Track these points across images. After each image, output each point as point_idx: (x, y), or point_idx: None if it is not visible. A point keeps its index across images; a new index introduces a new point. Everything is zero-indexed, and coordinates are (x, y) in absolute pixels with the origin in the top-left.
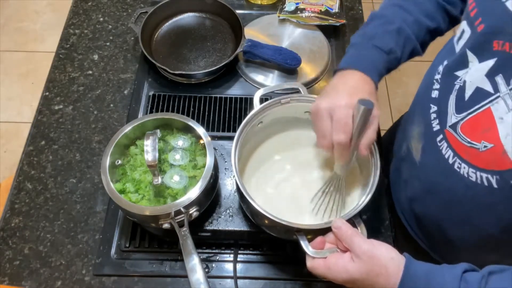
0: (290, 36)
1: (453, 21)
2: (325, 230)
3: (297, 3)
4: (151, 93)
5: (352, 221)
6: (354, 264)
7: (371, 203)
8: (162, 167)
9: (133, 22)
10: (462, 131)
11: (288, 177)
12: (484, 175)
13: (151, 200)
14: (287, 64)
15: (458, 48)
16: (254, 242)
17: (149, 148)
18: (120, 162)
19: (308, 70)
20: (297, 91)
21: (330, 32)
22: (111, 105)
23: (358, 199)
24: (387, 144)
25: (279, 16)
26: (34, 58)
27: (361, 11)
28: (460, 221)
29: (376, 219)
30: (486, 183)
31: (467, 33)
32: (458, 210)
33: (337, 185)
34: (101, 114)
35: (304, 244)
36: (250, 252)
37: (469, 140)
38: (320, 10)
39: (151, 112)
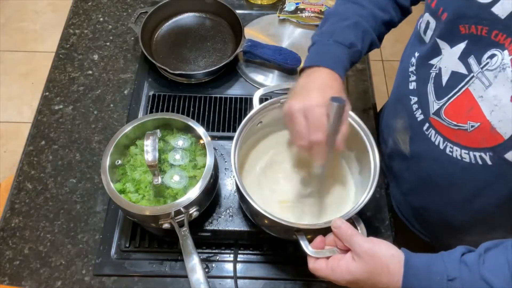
0: (290, 36)
1: (405, 12)
2: (325, 230)
3: (297, 3)
4: (151, 93)
5: (351, 220)
6: (356, 264)
7: (371, 203)
8: (162, 167)
9: (133, 22)
10: (446, 115)
11: (288, 177)
12: (477, 154)
13: (151, 200)
14: (287, 64)
15: (427, 38)
16: (254, 242)
17: (149, 148)
18: (120, 162)
19: None
20: None
21: None
22: (111, 105)
23: (356, 198)
24: None
25: (279, 16)
26: (34, 58)
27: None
28: (460, 205)
29: (376, 219)
30: (480, 162)
31: (433, 23)
32: (457, 194)
33: (317, 186)
34: (101, 114)
35: (304, 244)
36: (250, 252)
37: (455, 123)
38: (320, 10)
39: (151, 112)
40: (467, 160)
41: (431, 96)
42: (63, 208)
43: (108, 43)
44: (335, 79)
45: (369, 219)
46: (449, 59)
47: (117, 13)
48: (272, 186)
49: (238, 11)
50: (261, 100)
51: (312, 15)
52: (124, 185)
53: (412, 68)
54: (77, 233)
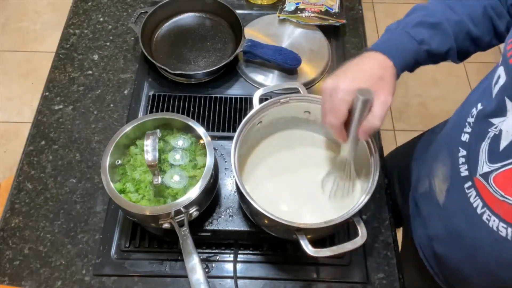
0: (290, 36)
1: (498, 37)
2: (325, 230)
3: (297, 3)
4: (151, 93)
5: (352, 220)
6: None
7: (371, 203)
8: (162, 167)
9: (133, 22)
10: (495, 183)
11: (288, 177)
12: None
13: (151, 200)
14: (287, 64)
15: (494, 92)
16: (254, 242)
17: (149, 148)
18: (120, 162)
19: (308, 70)
20: (296, 91)
21: (330, 32)
22: (111, 105)
23: (356, 198)
24: (397, 163)
25: (279, 16)
26: (34, 58)
27: (361, 11)
28: (483, 271)
29: (376, 219)
30: None
31: (502, 79)
32: (482, 261)
33: (344, 169)
34: (101, 114)
35: (304, 244)
36: (250, 252)
37: (502, 193)
38: (320, 10)
39: (151, 112)
40: (503, 234)
41: (483, 157)
42: (63, 208)
43: (108, 43)
44: (383, 67)
45: (369, 219)
46: None
47: (117, 13)
48: (272, 186)
49: (238, 11)
50: (261, 100)
51: (312, 15)
52: (124, 185)
53: (470, 119)
54: (77, 233)
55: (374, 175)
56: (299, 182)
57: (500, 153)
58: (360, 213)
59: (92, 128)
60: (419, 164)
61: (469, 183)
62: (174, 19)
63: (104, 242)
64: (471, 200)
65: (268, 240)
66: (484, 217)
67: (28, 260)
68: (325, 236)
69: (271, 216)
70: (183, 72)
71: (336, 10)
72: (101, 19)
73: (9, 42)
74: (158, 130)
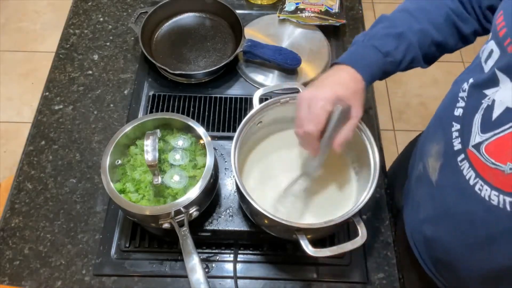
0: (290, 36)
1: (464, 40)
2: (325, 230)
3: (297, 3)
4: (151, 93)
5: (352, 220)
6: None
7: (371, 203)
8: (162, 167)
9: (133, 22)
10: (487, 151)
11: (288, 176)
12: (508, 199)
13: (151, 200)
14: (287, 64)
15: (487, 68)
16: (254, 242)
17: (149, 148)
18: (120, 162)
19: (308, 70)
20: (296, 91)
21: (330, 32)
22: (111, 105)
23: (356, 198)
24: (397, 169)
25: (279, 16)
26: (34, 58)
27: (361, 11)
28: (472, 248)
29: (376, 219)
30: (509, 208)
31: (496, 53)
32: (473, 235)
33: (317, 186)
34: (101, 114)
35: (304, 244)
36: (250, 252)
37: (493, 161)
38: (320, 10)
39: (151, 112)
40: (495, 202)
41: (476, 128)
42: (63, 208)
43: (108, 43)
44: (356, 81)
45: (369, 219)
46: (506, 93)
47: (117, 13)
48: (272, 186)
49: (238, 11)
50: (261, 100)
51: (312, 15)
52: (124, 185)
53: (462, 94)
54: (77, 233)
55: (374, 175)
56: (299, 181)
57: (492, 123)
58: (360, 213)
59: (92, 128)
60: (414, 153)
61: (462, 156)
62: (174, 19)
63: (104, 242)
64: (464, 172)
65: (268, 240)
66: (477, 187)
67: (28, 260)
68: (325, 236)
69: (271, 216)
70: (183, 72)
71: (336, 10)
72: (101, 19)
73: (9, 42)
74: (158, 130)
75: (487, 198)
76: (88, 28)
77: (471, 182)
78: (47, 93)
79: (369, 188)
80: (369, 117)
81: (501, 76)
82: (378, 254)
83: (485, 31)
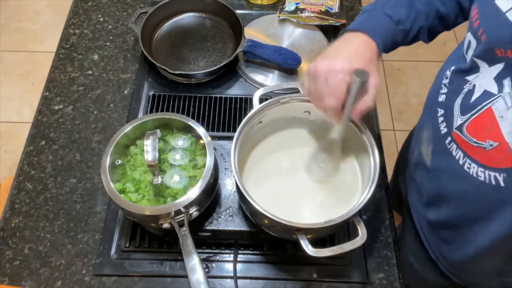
0: (290, 36)
1: (464, 14)
2: (325, 230)
3: (297, 3)
4: (151, 93)
5: (352, 220)
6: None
7: (371, 203)
8: (162, 167)
9: (133, 22)
10: (468, 131)
11: (287, 177)
12: (492, 174)
13: (151, 200)
14: (287, 64)
15: (468, 58)
16: (254, 242)
17: (149, 148)
18: (120, 162)
19: None
20: (296, 91)
21: (330, 32)
22: (111, 105)
23: (356, 198)
24: (404, 154)
25: (279, 16)
26: (34, 58)
27: (361, 11)
28: (470, 224)
29: (376, 219)
30: (494, 182)
31: (473, 43)
32: (468, 212)
33: (331, 150)
34: (101, 114)
35: (304, 244)
36: (250, 252)
37: (475, 140)
38: (320, 10)
39: (151, 112)
40: (482, 178)
41: (456, 111)
42: (63, 208)
43: (108, 43)
44: (370, 48)
45: (369, 219)
46: (485, 77)
47: (117, 13)
48: (272, 186)
49: (238, 11)
50: (261, 100)
51: (312, 15)
52: (124, 185)
53: (445, 81)
54: (77, 233)
55: (374, 175)
56: (299, 181)
57: (470, 105)
58: (360, 213)
59: (92, 128)
60: (412, 140)
61: (449, 139)
62: (174, 19)
63: (104, 242)
64: (454, 153)
65: (268, 240)
66: (466, 166)
67: (28, 260)
68: (325, 236)
69: (271, 216)
70: (183, 72)
71: (336, 10)
72: (101, 19)
73: (9, 42)
74: (158, 130)
75: (475, 175)
76: (88, 28)
77: (461, 162)
78: (47, 93)
79: (369, 188)
80: (369, 117)
81: (480, 62)
82: (378, 254)
83: None
